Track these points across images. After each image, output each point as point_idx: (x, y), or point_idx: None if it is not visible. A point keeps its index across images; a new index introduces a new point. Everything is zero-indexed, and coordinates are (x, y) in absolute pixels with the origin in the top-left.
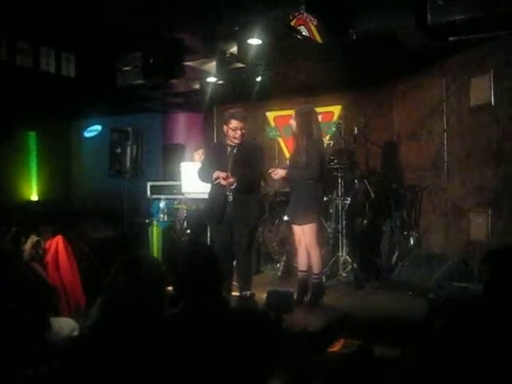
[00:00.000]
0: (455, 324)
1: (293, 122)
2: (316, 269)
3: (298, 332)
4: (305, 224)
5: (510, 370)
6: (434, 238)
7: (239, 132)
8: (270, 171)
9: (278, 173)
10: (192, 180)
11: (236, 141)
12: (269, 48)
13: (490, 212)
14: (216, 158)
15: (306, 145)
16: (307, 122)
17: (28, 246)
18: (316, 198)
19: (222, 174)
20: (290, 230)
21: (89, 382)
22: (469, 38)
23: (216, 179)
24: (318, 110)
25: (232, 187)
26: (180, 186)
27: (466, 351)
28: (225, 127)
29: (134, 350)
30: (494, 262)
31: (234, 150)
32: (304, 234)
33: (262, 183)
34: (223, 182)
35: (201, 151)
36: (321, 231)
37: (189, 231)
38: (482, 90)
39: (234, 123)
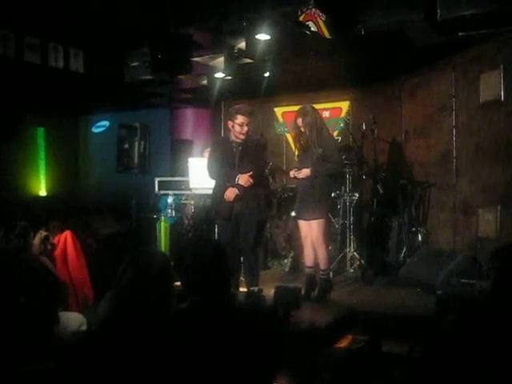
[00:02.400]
0: (463, 321)
1: (301, 120)
2: (323, 265)
3: (306, 328)
4: (312, 220)
5: None
6: (442, 235)
7: (245, 128)
8: (293, 172)
9: (302, 172)
10: (200, 175)
11: (242, 136)
12: (277, 43)
13: (499, 209)
14: (222, 154)
15: (320, 139)
16: (317, 117)
17: (37, 240)
18: (324, 194)
19: (244, 179)
20: (298, 226)
21: (97, 377)
22: (478, 33)
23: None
24: (326, 105)
25: (247, 185)
26: (188, 181)
27: (474, 348)
28: (230, 123)
29: (142, 345)
30: (503, 258)
31: (240, 147)
32: (311, 230)
33: (270, 179)
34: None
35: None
36: (328, 227)
37: (196, 226)
38: (492, 86)
39: (240, 119)
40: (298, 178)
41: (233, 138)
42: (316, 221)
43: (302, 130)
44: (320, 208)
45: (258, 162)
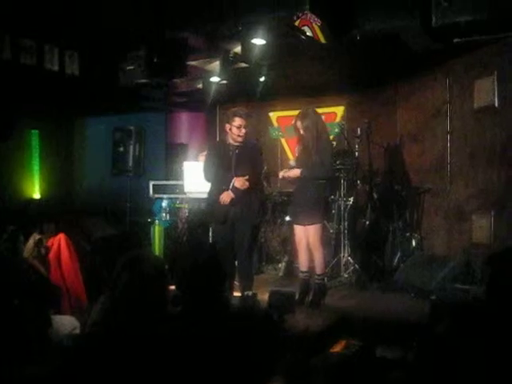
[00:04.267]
0: (458, 326)
1: (299, 124)
2: (319, 270)
3: (300, 332)
4: (309, 225)
5: None
6: (436, 240)
7: (243, 130)
8: (283, 172)
9: (292, 172)
10: (195, 179)
11: (239, 139)
12: (272, 48)
13: (492, 214)
14: (219, 157)
15: (317, 145)
16: (316, 121)
17: (30, 243)
18: (322, 199)
19: (240, 183)
20: (292, 231)
21: (90, 381)
22: (473, 40)
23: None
24: (321, 110)
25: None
26: (182, 185)
27: (468, 354)
28: (227, 126)
29: (136, 348)
30: (497, 264)
31: (237, 150)
32: (308, 235)
33: (265, 183)
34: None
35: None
36: (323, 232)
37: (191, 230)
38: (486, 92)
39: (237, 121)
40: (287, 178)
41: (230, 141)
42: (313, 225)
43: (301, 132)
44: (318, 213)
45: (254, 166)
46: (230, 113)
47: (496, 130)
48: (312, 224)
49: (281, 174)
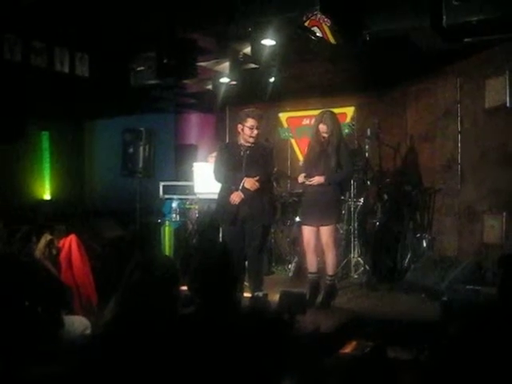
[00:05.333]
0: (470, 327)
1: (323, 127)
2: (330, 270)
3: (311, 333)
4: (324, 225)
5: None
6: (447, 241)
7: (255, 131)
8: (302, 178)
9: (315, 179)
10: (204, 180)
11: (251, 140)
12: (282, 49)
13: (504, 214)
14: (229, 158)
15: (338, 146)
16: (338, 123)
17: (41, 244)
18: (336, 200)
19: (250, 183)
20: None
21: (102, 381)
22: (484, 39)
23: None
24: None
25: (253, 188)
26: (192, 186)
27: (480, 355)
28: (240, 126)
29: (147, 349)
30: (509, 265)
31: (248, 151)
32: (319, 236)
33: (274, 184)
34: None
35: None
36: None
37: (201, 231)
38: (498, 92)
39: (250, 122)
40: (310, 185)
41: (241, 141)
42: (327, 226)
43: (325, 135)
44: (333, 213)
45: (265, 167)
46: (242, 113)
47: (507, 129)
48: (327, 225)
49: (301, 180)
